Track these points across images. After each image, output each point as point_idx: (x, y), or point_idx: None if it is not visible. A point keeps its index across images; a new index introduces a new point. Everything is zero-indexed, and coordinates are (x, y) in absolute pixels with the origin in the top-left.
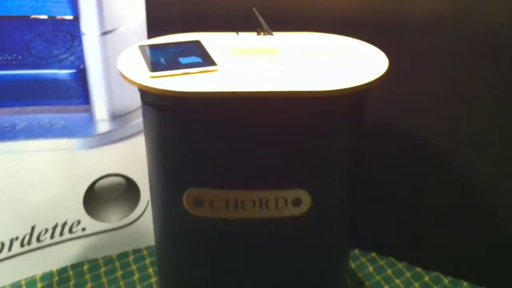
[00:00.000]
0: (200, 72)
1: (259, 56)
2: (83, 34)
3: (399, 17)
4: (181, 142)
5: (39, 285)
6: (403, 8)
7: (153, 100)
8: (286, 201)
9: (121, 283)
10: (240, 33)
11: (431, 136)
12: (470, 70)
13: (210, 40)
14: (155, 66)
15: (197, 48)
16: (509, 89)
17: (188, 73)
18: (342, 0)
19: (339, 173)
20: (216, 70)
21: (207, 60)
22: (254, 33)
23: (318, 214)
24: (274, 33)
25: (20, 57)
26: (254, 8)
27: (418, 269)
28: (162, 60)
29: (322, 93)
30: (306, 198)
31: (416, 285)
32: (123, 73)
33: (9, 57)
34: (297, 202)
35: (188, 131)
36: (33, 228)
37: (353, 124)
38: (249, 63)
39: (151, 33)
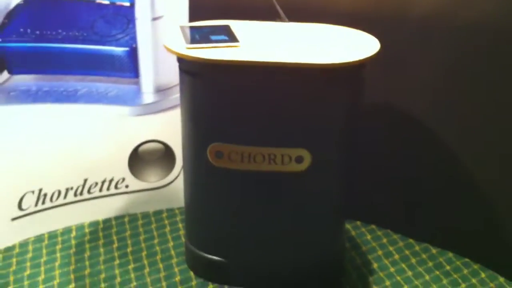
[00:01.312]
0: (226, 46)
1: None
2: (136, 18)
3: (399, 12)
4: (207, 103)
5: (86, 230)
6: (402, 5)
7: (188, 67)
8: (290, 157)
9: (155, 233)
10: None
11: (424, 116)
12: (458, 59)
13: (237, 25)
14: (190, 40)
15: (225, 30)
16: (493, 76)
17: (216, 46)
18: (349, 2)
19: (335, 138)
20: (238, 46)
21: (232, 38)
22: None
23: (317, 170)
24: (290, 22)
25: (85, 34)
26: (274, 0)
27: (411, 240)
28: (197, 36)
29: (324, 65)
30: (307, 156)
31: (406, 252)
32: (166, 45)
33: (76, 33)
34: (299, 159)
35: (213, 94)
36: (85, 180)
37: (348, 95)
38: (267, 41)
39: (192, 20)
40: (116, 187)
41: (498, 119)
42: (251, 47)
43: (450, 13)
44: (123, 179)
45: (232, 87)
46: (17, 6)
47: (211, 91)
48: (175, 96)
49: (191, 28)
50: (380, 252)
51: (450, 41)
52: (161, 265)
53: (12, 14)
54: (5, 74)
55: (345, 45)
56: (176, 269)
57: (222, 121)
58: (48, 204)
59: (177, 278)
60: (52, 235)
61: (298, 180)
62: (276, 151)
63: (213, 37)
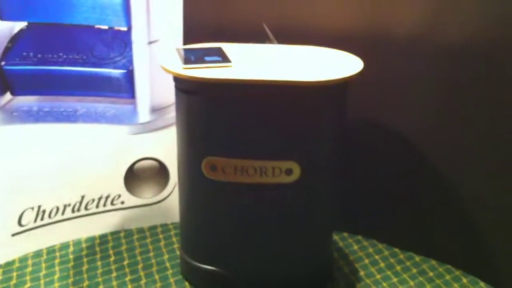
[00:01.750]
0: (219, 66)
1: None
2: (133, 42)
3: (381, 33)
4: (202, 119)
5: (83, 245)
6: (384, 27)
7: (183, 86)
8: (280, 170)
9: (150, 247)
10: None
11: (409, 131)
12: (438, 78)
13: (229, 47)
14: (186, 61)
15: (218, 52)
16: (475, 90)
17: (210, 66)
18: (335, 22)
19: (323, 151)
20: (231, 66)
21: (225, 59)
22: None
23: (306, 182)
24: (279, 44)
25: (85, 57)
26: (263, 23)
27: (395, 249)
28: (191, 58)
29: (310, 83)
30: (296, 169)
31: (391, 260)
32: (163, 66)
33: (76, 56)
34: (289, 171)
35: (207, 111)
36: (83, 197)
37: (333, 111)
38: (258, 61)
39: (186, 43)
40: (112, 203)
41: (482, 131)
42: (243, 67)
43: (430, 33)
44: (119, 196)
45: (225, 104)
46: (20, 31)
47: (206, 108)
48: (169, 115)
49: (186, 50)
50: (366, 261)
51: (431, 59)
52: (157, 276)
53: (16, 38)
54: (8, 96)
55: (330, 65)
56: (171, 280)
57: (216, 136)
58: (46, 220)
59: None
60: (50, 250)
61: (289, 191)
62: (267, 164)
63: (207, 58)
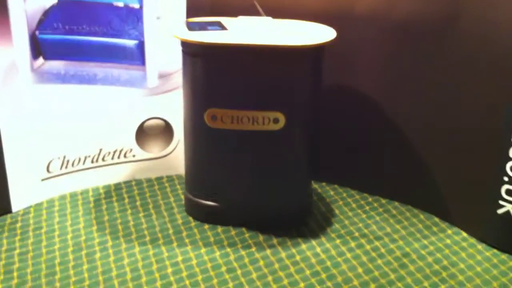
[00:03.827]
0: (217, 33)
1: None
2: (144, 17)
3: (350, 11)
4: (204, 77)
5: (101, 191)
6: (352, 5)
7: (189, 49)
8: (269, 119)
9: (158, 192)
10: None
11: (370, 89)
12: (395, 47)
13: (226, 20)
14: (191, 30)
15: (218, 23)
16: (422, 57)
17: (210, 33)
18: (314, 2)
19: (304, 103)
20: (228, 33)
21: (223, 28)
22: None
23: (290, 129)
24: (268, 17)
25: (104, 29)
26: (255, 1)
27: (365, 194)
28: (196, 27)
29: (294, 46)
30: (282, 118)
31: (362, 202)
32: (174, 34)
33: (97, 28)
34: (276, 120)
35: (209, 70)
36: (100, 150)
37: (314, 71)
38: (250, 30)
39: (188, 18)
40: (125, 156)
41: (428, 90)
42: (238, 34)
43: (387, 10)
44: (131, 150)
45: (224, 64)
46: (52, 6)
47: (207, 67)
48: (173, 81)
49: (191, 22)
50: (340, 203)
51: (388, 32)
52: (165, 213)
53: (48, 12)
54: (41, 60)
55: (310, 34)
56: (177, 216)
57: (216, 91)
58: (70, 168)
59: (179, 221)
60: (73, 194)
61: (276, 137)
62: (258, 114)
63: (208, 27)
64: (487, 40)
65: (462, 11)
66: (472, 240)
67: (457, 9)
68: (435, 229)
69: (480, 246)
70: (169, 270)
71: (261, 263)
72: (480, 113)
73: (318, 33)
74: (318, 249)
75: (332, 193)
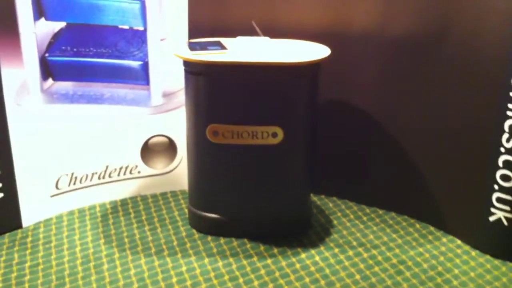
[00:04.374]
0: (219, 53)
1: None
2: (148, 39)
3: (344, 30)
4: (206, 95)
5: (108, 206)
6: (345, 24)
7: (191, 69)
8: (268, 133)
9: (163, 206)
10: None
11: (365, 103)
12: (389, 62)
13: (226, 40)
14: (193, 50)
15: (218, 43)
16: (413, 71)
17: (211, 53)
18: (309, 21)
19: (301, 118)
20: (227, 53)
21: (223, 48)
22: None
23: (288, 143)
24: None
25: (110, 51)
26: (253, 21)
27: (363, 205)
28: (197, 47)
29: (291, 63)
30: (280, 133)
31: (360, 213)
32: (176, 53)
33: (104, 50)
34: (274, 134)
35: (210, 88)
36: (107, 167)
37: (311, 87)
38: (249, 49)
39: (190, 38)
40: (130, 172)
41: (420, 102)
42: (237, 53)
43: (380, 28)
44: (136, 166)
45: (224, 82)
46: (60, 30)
47: (209, 85)
48: (177, 99)
49: (192, 42)
50: (339, 214)
51: (381, 48)
52: (170, 226)
53: (57, 35)
54: (50, 81)
55: (305, 52)
56: (182, 228)
57: (217, 108)
58: (78, 185)
59: (183, 234)
60: (81, 210)
61: (275, 150)
62: (258, 128)
63: (209, 47)
64: (476, 52)
65: (451, 24)
66: (466, 247)
67: (446, 23)
68: (430, 237)
69: (474, 253)
70: (174, 279)
71: (262, 271)
72: (470, 124)
73: (313, 51)
74: (317, 258)
75: (331, 205)
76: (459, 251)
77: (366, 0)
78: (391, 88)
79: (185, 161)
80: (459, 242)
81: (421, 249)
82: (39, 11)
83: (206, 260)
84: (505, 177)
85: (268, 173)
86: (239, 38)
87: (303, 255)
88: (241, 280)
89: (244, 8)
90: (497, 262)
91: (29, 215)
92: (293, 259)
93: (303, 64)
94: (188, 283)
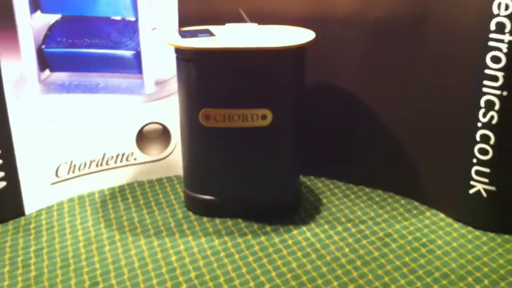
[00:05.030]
0: (207, 40)
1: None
2: (140, 29)
3: (327, 15)
4: (197, 80)
5: (106, 192)
6: (329, 9)
7: (182, 55)
8: (257, 116)
9: (159, 191)
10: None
11: (350, 86)
12: (371, 45)
13: (214, 28)
14: (184, 37)
15: (207, 31)
16: (395, 56)
17: (201, 40)
18: (294, 7)
19: (289, 100)
20: (216, 39)
21: (212, 35)
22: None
23: (277, 124)
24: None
25: (104, 42)
26: (239, 9)
27: (351, 184)
28: (188, 35)
29: (277, 48)
30: (269, 115)
31: (347, 192)
32: (168, 41)
33: (97, 41)
34: (264, 117)
35: (201, 73)
36: (104, 154)
37: (297, 70)
38: (237, 35)
39: (180, 27)
40: (127, 159)
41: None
42: (226, 40)
43: (362, 13)
44: (132, 153)
45: (214, 67)
46: (56, 22)
47: (200, 71)
48: (169, 87)
49: (183, 31)
50: (328, 193)
51: (363, 32)
52: (167, 209)
53: (52, 27)
54: (47, 72)
55: (291, 36)
56: (178, 211)
57: (209, 92)
58: (77, 173)
59: (180, 216)
60: (80, 197)
61: (265, 132)
62: (247, 111)
63: (198, 35)
64: (453, 34)
65: (430, 9)
66: (449, 220)
67: (426, 7)
68: (415, 212)
69: (457, 225)
70: (173, 258)
71: (257, 248)
72: (449, 102)
73: (299, 36)
74: (308, 234)
75: (320, 185)
76: (442, 223)
77: None
78: (374, 69)
79: (179, 148)
80: (442, 215)
81: (406, 223)
82: (35, 4)
83: (203, 239)
84: (482, 151)
85: (259, 154)
86: (228, 25)
87: (294, 232)
88: (236, 256)
89: None
90: (478, 232)
91: (31, 203)
92: (285, 236)
93: (289, 48)
94: (187, 260)
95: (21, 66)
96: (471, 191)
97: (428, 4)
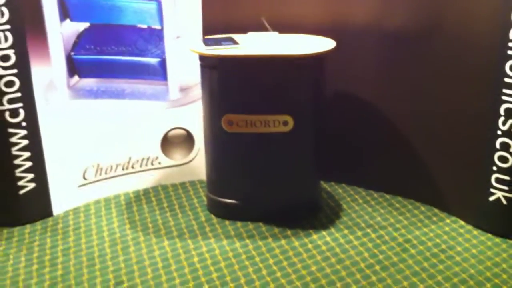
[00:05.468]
0: (231, 47)
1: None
2: (165, 37)
3: (346, 24)
4: (220, 87)
5: (131, 195)
6: (347, 20)
7: (206, 63)
8: (279, 122)
9: (183, 195)
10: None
11: (369, 92)
12: (387, 54)
13: (238, 36)
14: (208, 45)
15: (230, 39)
16: (412, 64)
17: (225, 48)
18: (314, 16)
19: (310, 108)
20: (239, 47)
21: (235, 43)
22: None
23: (298, 130)
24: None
25: (130, 49)
26: (262, 18)
27: (371, 191)
28: (212, 43)
29: (298, 55)
30: (291, 121)
31: (368, 198)
32: (192, 49)
33: (124, 49)
34: (285, 123)
35: (224, 80)
36: (130, 158)
37: (318, 77)
38: (260, 43)
39: (204, 35)
40: (152, 163)
41: (419, 89)
42: (249, 48)
43: (378, 22)
44: (157, 157)
45: (237, 74)
46: (84, 30)
47: (223, 78)
48: (193, 93)
49: (207, 39)
50: (348, 199)
51: (379, 41)
52: (190, 212)
53: (81, 35)
54: (76, 78)
55: (313, 44)
56: (201, 214)
57: (231, 99)
58: (103, 175)
59: (203, 219)
60: (106, 199)
61: (286, 137)
62: (269, 117)
63: (222, 43)
64: (468, 43)
65: (445, 18)
66: (469, 227)
67: (440, 17)
68: (434, 218)
69: (476, 232)
70: (196, 259)
71: (277, 251)
72: (468, 110)
73: (319, 44)
74: (328, 238)
75: (340, 191)
76: (461, 230)
77: None
78: (392, 76)
79: (202, 152)
80: (462, 222)
81: (425, 229)
82: (65, 13)
83: (225, 242)
84: (502, 159)
85: (280, 159)
86: (250, 33)
87: (314, 236)
88: (257, 259)
89: (254, 5)
90: (497, 239)
91: (59, 204)
92: (306, 240)
93: (310, 56)
94: (209, 262)
95: (51, 72)
96: (491, 198)
97: (443, 14)
